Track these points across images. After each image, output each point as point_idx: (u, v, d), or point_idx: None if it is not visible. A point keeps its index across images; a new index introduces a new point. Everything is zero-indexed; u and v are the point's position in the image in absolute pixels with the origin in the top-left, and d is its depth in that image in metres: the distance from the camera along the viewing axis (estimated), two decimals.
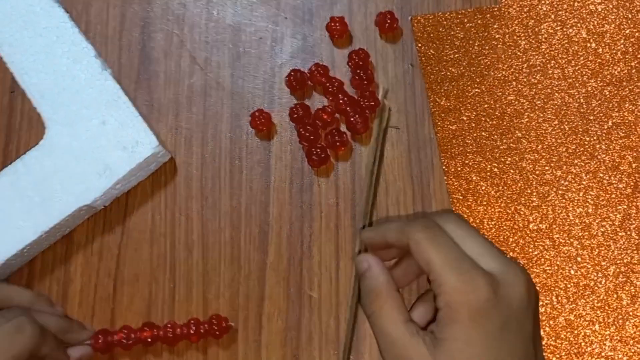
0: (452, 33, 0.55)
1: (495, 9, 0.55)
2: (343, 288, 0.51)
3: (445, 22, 0.55)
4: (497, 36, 0.55)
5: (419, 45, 0.54)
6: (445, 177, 0.52)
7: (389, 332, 0.38)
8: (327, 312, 0.51)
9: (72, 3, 0.59)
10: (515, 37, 0.55)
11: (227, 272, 0.52)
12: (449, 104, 0.53)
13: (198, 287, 0.52)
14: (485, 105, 0.53)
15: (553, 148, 0.53)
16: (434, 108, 0.53)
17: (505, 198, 0.52)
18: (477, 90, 0.54)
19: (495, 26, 0.55)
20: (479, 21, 0.55)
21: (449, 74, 0.54)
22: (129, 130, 0.53)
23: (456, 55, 0.54)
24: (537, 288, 0.46)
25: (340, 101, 0.53)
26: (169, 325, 0.50)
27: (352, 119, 0.52)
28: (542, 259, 0.51)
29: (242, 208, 0.53)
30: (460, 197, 0.52)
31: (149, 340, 0.49)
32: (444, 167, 0.52)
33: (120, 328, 0.50)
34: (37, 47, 0.56)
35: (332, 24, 0.55)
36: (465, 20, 0.55)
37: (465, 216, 0.52)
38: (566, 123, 0.53)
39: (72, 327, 0.48)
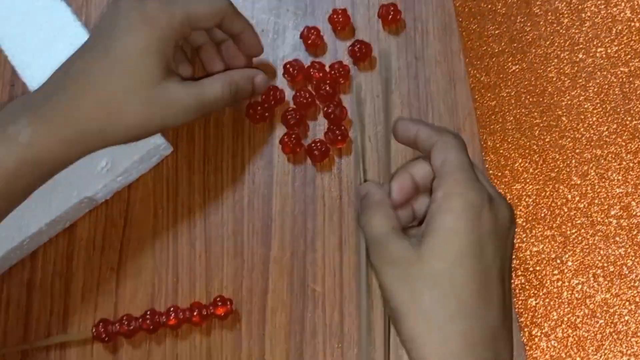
0: (494, 9, 0.54)
1: None
2: (347, 281, 0.51)
3: None
4: (539, 12, 0.54)
5: (460, 19, 0.54)
6: (483, 153, 0.52)
7: (376, 236, 0.39)
8: (331, 306, 0.51)
9: None
10: (557, 15, 0.54)
11: (230, 265, 0.52)
12: (489, 80, 0.53)
13: (201, 280, 0.52)
14: (526, 82, 0.53)
15: (594, 127, 0.53)
16: (473, 84, 0.53)
17: (543, 176, 0.52)
18: (518, 67, 0.54)
19: (538, 2, 0.54)
20: None
21: (489, 49, 0.54)
22: None
23: (497, 31, 0.54)
24: (574, 266, 0.50)
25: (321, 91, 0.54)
26: (171, 309, 0.50)
27: (327, 109, 0.53)
28: (580, 237, 0.51)
29: (244, 201, 0.53)
30: (499, 174, 0.52)
31: (152, 327, 0.49)
32: (482, 143, 0.52)
33: (121, 317, 0.50)
34: (37, 40, 0.56)
35: (335, 16, 0.55)
36: None
37: (503, 193, 0.51)
38: (608, 102, 0.53)
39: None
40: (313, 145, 0.53)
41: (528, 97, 0.53)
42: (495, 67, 0.53)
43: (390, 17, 0.55)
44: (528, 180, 0.52)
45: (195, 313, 0.50)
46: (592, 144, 0.52)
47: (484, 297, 0.37)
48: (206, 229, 0.53)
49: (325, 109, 0.54)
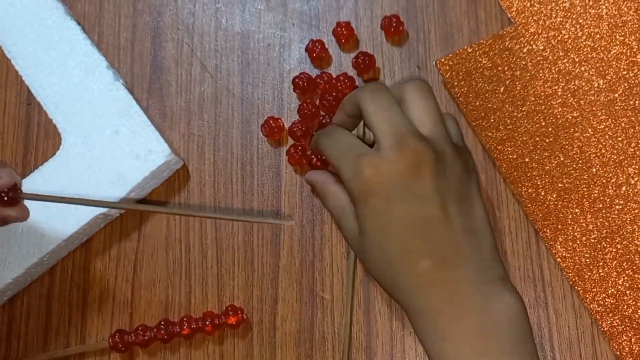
0: (479, 65, 0.54)
1: (512, 30, 0.55)
2: (355, 289, 0.52)
3: (468, 57, 0.55)
4: (522, 55, 0.54)
5: (450, 86, 0.54)
6: (521, 207, 0.52)
7: (335, 208, 0.46)
8: (339, 313, 0.52)
9: (85, 15, 0.60)
10: (541, 51, 0.54)
11: (241, 275, 0.53)
12: (501, 135, 0.53)
13: (213, 290, 0.53)
14: (537, 125, 0.53)
15: (617, 147, 0.53)
16: (487, 143, 0.53)
17: (586, 206, 0.52)
18: (522, 113, 0.53)
19: (517, 47, 0.54)
20: (501, 46, 0.55)
21: (490, 105, 0.54)
22: (142, 139, 0.55)
23: (491, 86, 0.54)
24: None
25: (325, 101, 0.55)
26: (184, 319, 0.51)
27: (322, 120, 0.55)
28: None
29: (254, 212, 0.55)
30: (545, 222, 0.52)
31: (166, 337, 0.51)
32: (517, 197, 0.52)
33: (136, 327, 0.51)
34: (50, 60, 0.57)
35: (339, 29, 0.56)
36: (488, 49, 0.55)
37: (560, 239, 0.51)
38: (620, 119, 0.53)
39: None
40: (314, 157, 0.54)
41: (544, 138, 0.53)
42: (501, 120, 0.53)
43: (392, 28, 0.56)
44: (576, 217, 0.52)
45: (207, 322, 0.51)
46: (622, 162, 0.52)
47: (410, 251, 0.40)
48: (217, 240, 0.54)
49: (321, 118, 0.55)
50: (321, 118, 0.55)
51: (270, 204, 0.55)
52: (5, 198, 0.42)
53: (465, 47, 0.55)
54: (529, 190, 0.52)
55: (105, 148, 0.55)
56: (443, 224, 0.39)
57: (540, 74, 0.54)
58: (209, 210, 0.55)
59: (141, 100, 0.57)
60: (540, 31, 0.55)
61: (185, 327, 0.51)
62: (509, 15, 0.56)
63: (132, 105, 0.56)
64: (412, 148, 0.39)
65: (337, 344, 0.51)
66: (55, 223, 0.53)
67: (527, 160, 0.53)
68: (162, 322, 0.51)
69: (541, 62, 0.54)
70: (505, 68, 0.54)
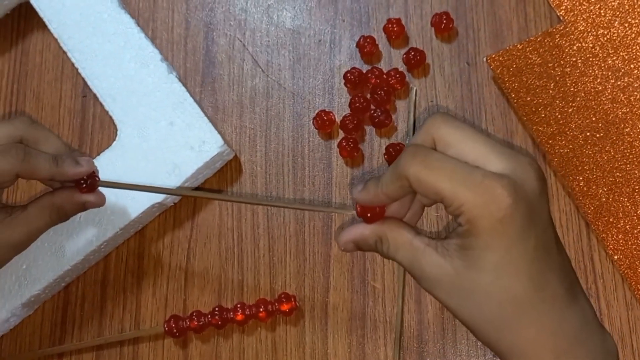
0: (529, 62, 0.55)
1: (562, 28, 0.56)
2: (406, 279, 0.53)
3: (519, 54, 0.55)
4: (572, 52, 0.55)
5: (500, 82, 0.55)
6: (572, 200, 0.53)
7: (405, 258, 0.38)
8: (390, 302, 0.53)
9: (139, 11, 0.62)
10: (590, 49, 0.55)
11: (292, 264, 0.54)
12: (552, 130, 0.54)
13: (265, 278, 0.54)
14: (587, 121, 0.54)
15: None
16: (539, 137, 0.54)
17: (638, 200, 0.52)
18: (573, 108, 0.54)
19: (567, 44, 0.55)
20: (550, 43, 0.56)
21: (541, 100, 0.54)
22: (196, 130, 0.56)
23: (541, 81, 0.55)
24: None
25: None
26: (238, 306, 0.52)
27: (373, 113, 0.56)
28: None
29: (318, 202, 0.56)
30: (597, 215, 0.52)
31: (220, 323, 0.52)
32: (568, 190, 0.53)
33: (190, 313, 0.52)
34: (105, 53, 0.59)
35: (390, 26, 0.58)
36: (537, 46, 0.56)
37: (604, 235, 0.52)
38: None
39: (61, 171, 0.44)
40: (343, 142, 0.55)
41: (595, 133, 0.54)
42: (552, 115, 0.54)
43: (443, 25, 0.57)
44: (628, 213, 0.52)
45: (261, 309, 0.52)
46: None
47: (540, 285, 0.35)
48: (269, 229, 0.55)
49: (372, 112, 0.56)
50: (372, 112, 0.56)
51: (321, 195, 0.56)
52: (84, 185, 0.44)
53: (516, 44, 0.56)
54: (580, 184, 0.53)
55: (160, 139, 0.56)
56: (559, 248, 0.36)
57: (590, 71, 0.55)
58: (263, 199, 0.56)
59: (194, 94, 0.59)
60: (589, 29, 0.56)
61: (239, 313, 0.52)
62: (558, 14, 0.57)
63: (186, 97, 0.57)
64: (532, 166, 0.36)
65: (388, 332, 0.52)
66: (113, 211, 0.54)
67: (578, 154, 0.53)
68: (217, 308, 0.52)
69: (591, 59, 0.55)
70: (555, 65, 0.55)
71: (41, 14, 0.59)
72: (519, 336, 0.36)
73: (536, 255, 0.35)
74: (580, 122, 0.54)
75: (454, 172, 0.35)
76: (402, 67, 0.57)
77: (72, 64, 0.59)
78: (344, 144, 0.55)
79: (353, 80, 0.57)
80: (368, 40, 0.58)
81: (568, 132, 0.54)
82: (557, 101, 0.54)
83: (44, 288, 0.54)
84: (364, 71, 0.57)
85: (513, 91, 0.55)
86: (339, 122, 0.57)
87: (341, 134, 0.57)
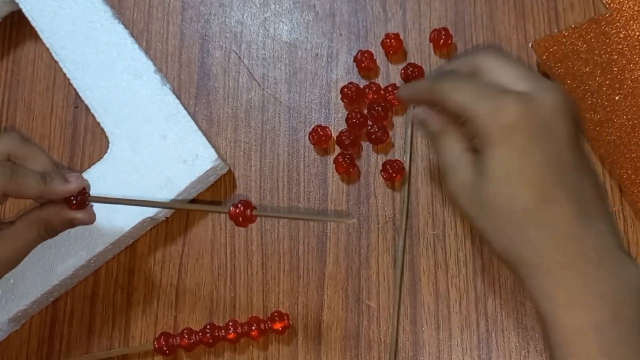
0: (575, 48, 0.55)
1: (608, 16, 0.56)
2: (401, 298, 0.52)
3: (564, 40, 0.55)
4: (618, 40, 0.55)
5: (547, 68, 0.55)
6: (621, 188, 0.53)
7: (447, 158, 0.42)
8: (386, 321, 0.52)
9: (134, 21, 0.61)
10: (637, 36, 0.55)
11: (286, 281, 0.53)
12: (599, 117, 0.54)
13: (258, 296, 0.53)
14: (634, 109, 0.53)
15: None
16: (585, 124, 0.53)
17: None
18: (620, 95, 0.54)
19: (613, 32, 0.55)
20: (596, 30, 0.55)
21: (587, 87, 0.54)
22: (189, 144, 0.55)
23: (587, 68, 0.55)
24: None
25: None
26: (230, 324, 0.51)
27: (370, 129, 0.55)
28: None
29: (314, 211, 0.55)
30: None
31: (211, 341, 0.51)
32: (616, 178, 0.53)
33: (181, 330, 0.51)
34: (98, 63, 0.58)
35: (388, 40, 0.57)
36: (583, 33, 0.55)
37: None
38: None
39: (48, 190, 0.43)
40: (340, 159, 0.55)
41: None
42: (599, 103, 0.54)
43: (441, 41, 0.56)
44: None
45: (253, 327, 0.51)
46: None
47: (546, 199, 0.38)
48: (263, 246, 0.54)
49: (369, 127, 0.55)
50: (369, 127, 0.55)
51: (316, 212, 0.55)
52: (74, 202, 0.43)
53: (562, 30, 0.55)
54: (628, 172, 0.52)
55: (152, 152, 0.55)
56: (577, 173, 0.38)
57: (637, 59, 0.54)
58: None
59: (188, 106, 0.58)
60: (635, 17, 0.55)
61: (231, 332, 0.51)
62: (604, 1, 0.56)
63: (179, 110, 0.56)
64: (554, 89, 0.39)
65: (383, 352, 0.51)
66: (103, 226, 0.53)
67: (625, 142, 0.53)
68: (208, 326, 0.51)
69: (638, 47, 0.55)
70: (602, 52, 0.55)
71: (33, 23, 0.58)
72: (525, 246, 0.38)
73: (545, 170, 0.38)
74: (627, 109, 0.53)
75: (475, 90, 0.39)
76: (399, 83, 0.57)
77: (64, 74, 0.58)
78: (340, 159, 0.55)
79: (350, 95, 0.56)
80: (366, 54, 0.57)
81: (615, 120, 0.53)
82: (604, 88, 0.54)
83: (32, 303, 0.53)
84: (361, 86, 0.56)
85: (559, 77, 0.54)
86: (335, 138, 0.56)
87: (337, 150, 0.56)
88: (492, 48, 0.42)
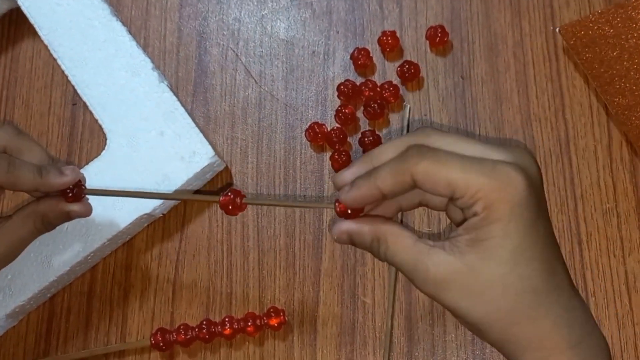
0: (602, 33, 0.55)
1: (634, 1, 0.55)
2: (396, 294, 0.52)
3: (591, 25, 0.55)
4: None
5: (575, 52, 0.55)
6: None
7: (406, 261, 0.36)
8: (381, 318, 0.52)
9: (131, 18, 0.61)
10: None
11: (282, 277, 0.54)
12: (627, 101, 0.54)
13: (254, 292, 0.54)
14: None
15: None
16: (614, 109, 0.54)
17: None
18: None
19: (639, 17, 0.55)
20: (623, 15, 0.55)
21: (615, 72, 0.54)
22: (186, 141, 0.55)
23: (615, 53, 0.55)
24: None
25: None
26: (226, 320, 0.51)
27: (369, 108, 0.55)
28: None
29: (296, 216, 0.55)
30: None
31: (207, 337, 0.51)
32: None
33: (178, 326, 0.52)
34: (96, 61, 0.58)
35: (384, 38, 0.57)
36: (610, 18, 0.55)
37: None
38: None
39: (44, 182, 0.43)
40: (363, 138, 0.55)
41: None
42: (627, 87, 0.54)
43: (437, 39, 0.56)
44: None
45: (249, 323, 0.51)
46: None
47: (551, 273, 0.35)
48: (259, 242, 0.55)
49: (361, 136, 0.55)
50: (361, 136, 0.55)
51: (312, 209, 0.55)
52: (70, 194, 0.43)
53: (588, 15, 0.55)
54: None
55: (150, 149, 0.55)
56: (556, 241, 0.37)
57: None
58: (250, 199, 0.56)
59: (186, 104, 0.58)
60: None
61: (227, 327, 0.51)
62: None
63: (177, 107, 0.56)
64: (529, 154, 0.36)
65: (378, 348, 0.51)
66: (100, 222, 0.53)
67: None
68: (204, 322, 0.52)
69: None
70: (629, 36, 0.55)
71: (32, 20, 0.59)
72: (536, 327, 0.35)
73: (547, 242, 0.35)
74: None
75: (464, 163, 0.34)
76: (396, 80, 0.57)
77: (62, 72, 0.58)
78: (336, 156, 0.55)
79: (346, 92, 0.56)
80: (362, 52, 0.57)
81: None
82: (632, 73, 0.54)
83: (29, 299, 0.53)
84: (358, 83, 0.57)
85: (587, 62, 0.55)
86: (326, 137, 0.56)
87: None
88: (425, 127, 0.37)
